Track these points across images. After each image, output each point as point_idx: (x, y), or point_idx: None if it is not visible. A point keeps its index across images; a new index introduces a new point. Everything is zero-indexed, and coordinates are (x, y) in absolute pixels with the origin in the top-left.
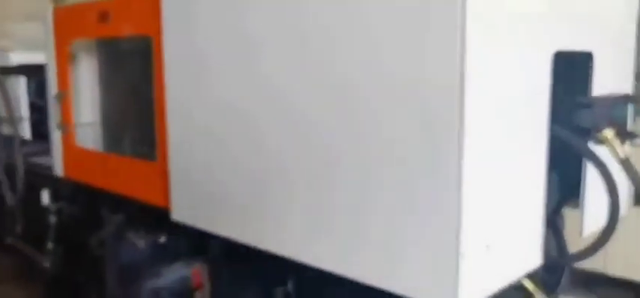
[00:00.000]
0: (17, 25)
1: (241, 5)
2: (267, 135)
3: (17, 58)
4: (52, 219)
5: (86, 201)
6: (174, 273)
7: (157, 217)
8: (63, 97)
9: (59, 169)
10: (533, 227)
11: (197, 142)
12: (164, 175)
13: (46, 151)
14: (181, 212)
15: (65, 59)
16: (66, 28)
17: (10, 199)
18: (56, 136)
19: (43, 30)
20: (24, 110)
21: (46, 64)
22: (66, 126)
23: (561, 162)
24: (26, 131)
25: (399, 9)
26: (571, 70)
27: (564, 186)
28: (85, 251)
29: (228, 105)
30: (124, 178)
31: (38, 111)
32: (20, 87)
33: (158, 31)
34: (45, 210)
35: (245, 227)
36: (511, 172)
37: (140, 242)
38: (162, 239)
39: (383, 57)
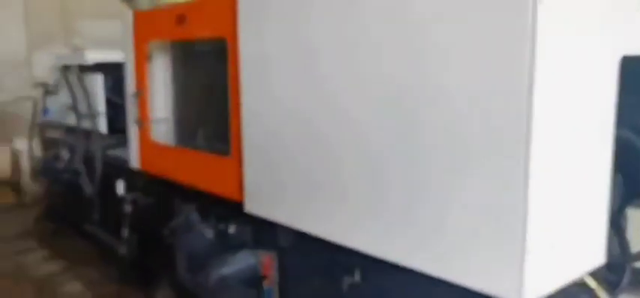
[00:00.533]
0: (87, 24)
1: (305, 14)
2: (357, 137)
3: (93, 56)
4: (127, 209)
5: (159, 192)
6: (241, 261)
7: (225, 208)
8: (140, 95)
9: (135, 162)
10: (597, 227)
11: (268, 140)
12: (238, 170)
13: (121, 145)
14: (254, 205)
15: (143, 59)
16: (144, 30)
17: (88, 189)
18: (133, 131)
19: (111, 28)
20: (101, 106)
21: (122, 63)
22: (143, 122)
23: (626, 163)
24: (103, 126)
25: (468, 11)
26: (637, 74)
27: (628, 186)
28: (157, 239)
29: (294, 108)
30: (199, 172)
31: (114, 107)
32: (98, 84)
33: (233, 34)
34: (120, 200)
35: (315, 219)
36: (576, 172)
37: (208, 231)
38: (231, 229)
39: (454, 58)
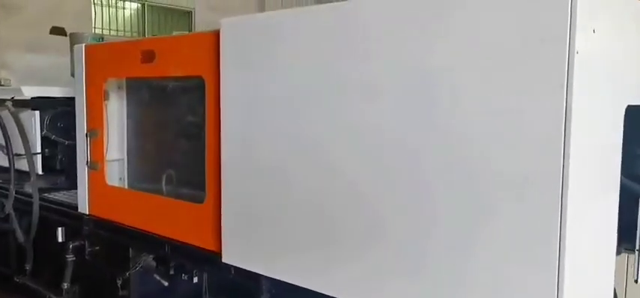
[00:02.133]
0: (17, 57)
1: (303, 57)
2: (361, 181)
3: (30, 91)
4: (69, 258)
5: (110, 239)
6: None
7: (191, 257)
8: (96, 135)
9: (84, 206)
10: (608, 274)
11: (254, 188)
12: (214, 219)
13: (59, 187)
14: (234, 256)
15: (99, 96)
16: (100, 66)
17: (20, 236)
18: (83, 174)
19: (41, 62)
20: (37, 144)
21: (59, 98)
22: (97, 163)
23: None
24: (38, 165)
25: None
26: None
27: (622, 231)
28: (107, 290)
29: (308, 145)
30: (165, 219)
31: (50, 145)
32: (34, 121)
33: (212, 74)
34: (61, 248)
35: (317, 272)
36: (598, 222)
37: (165, 282)
38: (194, 279)
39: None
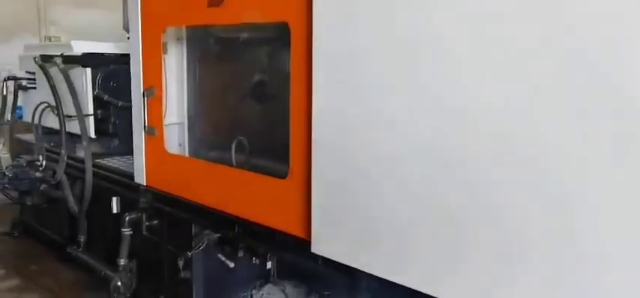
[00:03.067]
0: (62, 12)
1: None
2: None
3: (81, 46)
4: (126, 232)
5: (171, 214)
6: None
7: (265, 239)
8: (154, 95)
9: (141, 177)
10: None
11: (353, 165)
12: (299, 198)
13: (113, 153)
14: (328, 245)
15: (157, 50)
16: (159, 14)
17: (73, 205)
18: (140, 140)
19: (90, 18)
20: (89, 105)
21: (112, 55)
22: (155, 128)
23: None
24: (91, 129)
25: None
26: None
27: None
28: (165, 270)
29: (431, 120)
30: (236, 195)
31: (103, 107)
32: (86, 79)
33: (300, 19)
34: (116, 221)
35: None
36: None
37: (231, 262)
38: (267, 264)
39: None
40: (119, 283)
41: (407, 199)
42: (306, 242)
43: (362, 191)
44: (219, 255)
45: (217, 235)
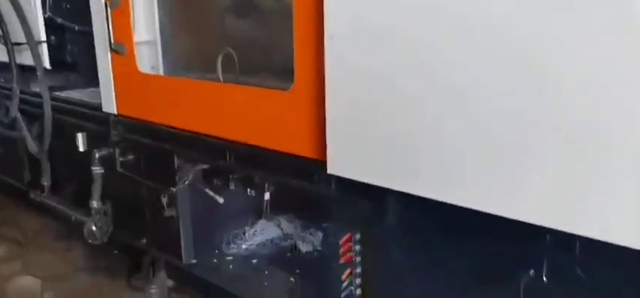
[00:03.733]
0: None
1: None
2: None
3: None
4: (96, 170)
5: (149, 147)
6: (263, 233)
7: (265, 164)
8: (118, 5)
9: (110, 105)
10: None
11: (376, 69)
12: (308, 111)
13: (71, 85)
14: (347, 164)
15: None
16: None
17: (32, 145)
18: (104, 61)
19: None
20: (40, 31)
21: None
22: (123, 45)
23: None
24: (45, 58)
25: None
26: None
27: None
28: (146, 210)
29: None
30: (230, 117)
31: (57, 32)
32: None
33: None
34: (85, 159)
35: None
36: None
37: (220, 197)
38: (251, 192)
39: None
40: (93, 227)
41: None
42: (319, 163)
43: (389, 101)
44: (207, 190)
45: (205, 166)
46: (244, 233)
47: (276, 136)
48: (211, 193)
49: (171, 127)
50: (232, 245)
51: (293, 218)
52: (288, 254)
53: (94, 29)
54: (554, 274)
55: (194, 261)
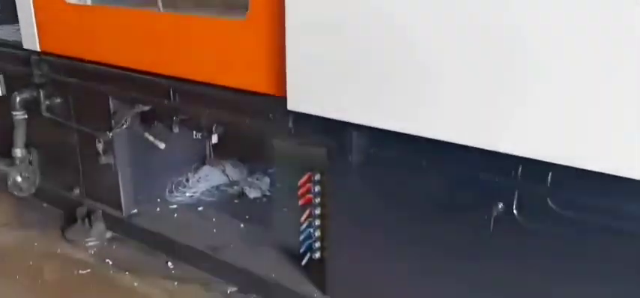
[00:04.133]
0: None
1: None
2: None
3: None
4: (18, 116)
5: (79, 86)
6: (209, 179)
7: (216, 102)
8: None
9: (32, 41)
10: None
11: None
12: (262, 42)
13: None
14: (307, 98)
15: None
16: None
17: None
18: None
19: None
20: None
21: None
22: None
23: None
24: None
25: None
26: None
27: None
28: (78, 157)
29: None
30: (175, 51)
31: None
32: None
33: None
34: (1, 105)
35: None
36: None
37: (161, 143)
38: (213, 138)
39: None
40: (19, 178)
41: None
42: (277, 99)
43: (353, 33)
44: (147, 135)
45: (145, 108)
46: (187, 180)
47: (227, 71)
48: (151, 138)
49: (105, 65)
50: (176, 194)
51: (238, 163)
52: (236, 201)
53: None
54: (524, 207)
55: (135, 211)
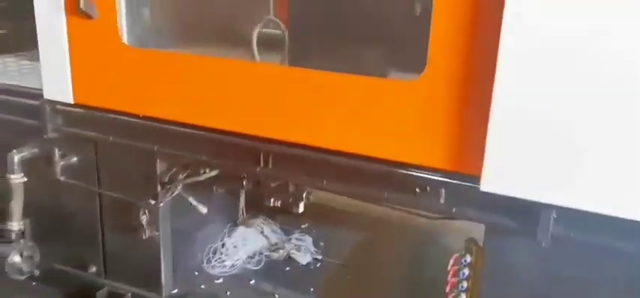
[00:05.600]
0: None
1: None
2: None
3: None
4: (16, 180)
5: (114, 146)
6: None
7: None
8: None
9: (62, 92)
10: None
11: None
12: (440, 107)
13: None
14: (505, 178)
15: None
16: None
17: None
18: (53, 28)
19: None
20: None
21: None
22: (93, 3)
23: None
24: None
25: None
26: None
27: None
28: (98, 228)
29: None
30: (277, 108)
31: None
32: None
33: None
34: None
35: None
36: None
37: (204, 207)
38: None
39: None
40: (17, 257)
41: None
42: (447, 174)
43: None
44: (191, 199)
45: (210, 174)
46: (223, 245)
47: (384, 141)
48: (194, 202)
49: (163, 121)
50: (214, 263)
51: (268, 220)
52: (287, 269)
53: None
54: None
55: (175, 292)
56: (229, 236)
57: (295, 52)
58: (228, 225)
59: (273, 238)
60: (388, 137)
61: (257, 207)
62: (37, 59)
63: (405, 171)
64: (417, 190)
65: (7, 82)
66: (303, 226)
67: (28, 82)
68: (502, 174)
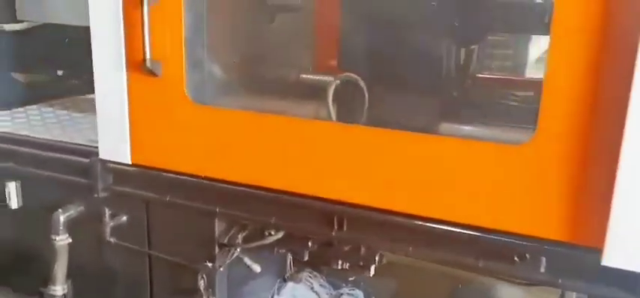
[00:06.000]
0: None
1: None
2: None
3: None
4: (61, 242)
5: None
6: None
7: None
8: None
9: (120, 153)
10: None
11: None
12: (554, 172)
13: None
14: (629, 252)
15: None
16: None
17: None
18: (113, 84)
19: None
20: None
21: None
22: (158, 61)
23: None
24: None
25: None
26: None
27: None
28: (146, 293)
29: None
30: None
31: None
32: None
33: None
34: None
35: None
36: None
37: (257, 266)
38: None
39: None
40: None
41: None
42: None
43: None
44: (246, 259)
45: (276, 236)
46: None
47: (481, 208)
48: (249, 262)
49: (223, 182)
50: None
51: (314, 274)
52: None
53: (93, 30)
54: None
55: None
56: (278, 293)
57: (373, 108)
58: (278, 281)
59: (323, 293)
60: (487, 204)
61: (303, 260)
62: (73, 108)
63: (506, 239)
64: (516, 259)
65: (48, 137)
66: (350, 278)
67: (68, 136)
68: (627, 247)
